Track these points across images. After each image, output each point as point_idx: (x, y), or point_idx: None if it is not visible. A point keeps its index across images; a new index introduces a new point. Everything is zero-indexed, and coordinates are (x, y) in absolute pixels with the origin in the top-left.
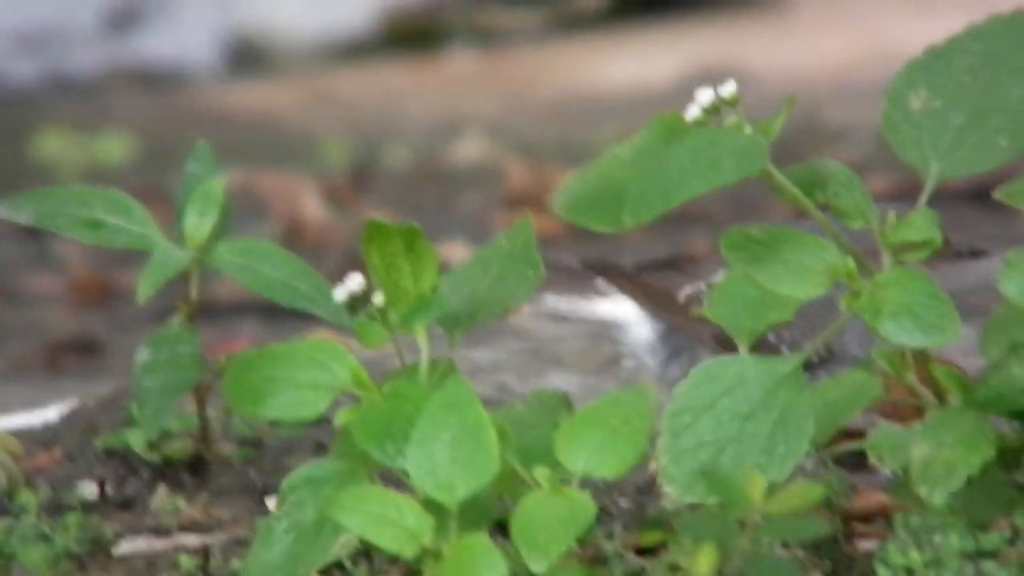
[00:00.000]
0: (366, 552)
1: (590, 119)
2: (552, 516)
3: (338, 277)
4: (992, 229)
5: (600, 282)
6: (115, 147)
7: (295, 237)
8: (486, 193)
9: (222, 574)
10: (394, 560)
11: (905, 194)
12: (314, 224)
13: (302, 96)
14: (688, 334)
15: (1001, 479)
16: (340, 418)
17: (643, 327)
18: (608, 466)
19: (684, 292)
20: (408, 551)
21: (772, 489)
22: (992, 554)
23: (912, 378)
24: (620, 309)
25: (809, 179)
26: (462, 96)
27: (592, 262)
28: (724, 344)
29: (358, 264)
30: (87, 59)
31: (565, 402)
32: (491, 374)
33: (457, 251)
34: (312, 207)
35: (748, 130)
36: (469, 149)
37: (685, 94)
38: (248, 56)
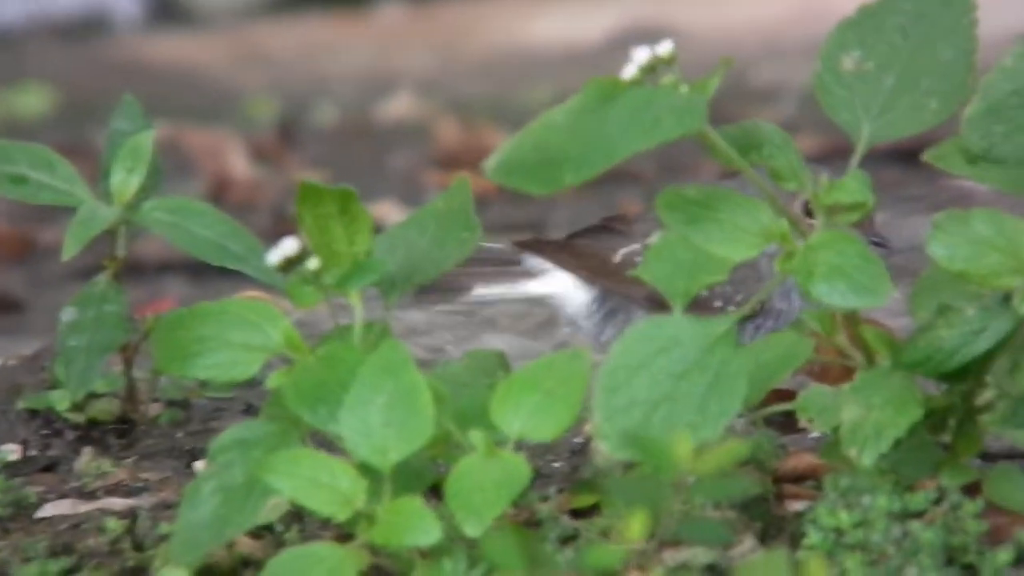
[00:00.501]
0: (297, 515)
1: (522, 76)
2: (487, 479)
3: (267, 236)
4: (917, 191)
5: (531, 259)
6: (34, 100)
7: (221, 195)
8: (417, 151)
9: (150, 537)
10: (326, 523)
11: (833, 155)
12: (241, 181)
13: (227, 50)
14: (622, 296)
15: (928, 440)
16: (273, 380)
17: (578, 291)
18: (543, 429)
19: (619, 254)
20: (341, 514)
21: (702, 449)
22: (918, 514)
23: (842, 339)
24: (551, 285)
25: (744, 140)
26: (391, 52)
27: (523, 241)
28: (657, 305)
29: (287, 223)
30: (4, 9)
31: (501, 361)
32: (425, 336)
33: (389, 210)
34: (239, 164)
35: (685, 89)
36: (399, 106)
37: (616, 52)
38: (170, 8)
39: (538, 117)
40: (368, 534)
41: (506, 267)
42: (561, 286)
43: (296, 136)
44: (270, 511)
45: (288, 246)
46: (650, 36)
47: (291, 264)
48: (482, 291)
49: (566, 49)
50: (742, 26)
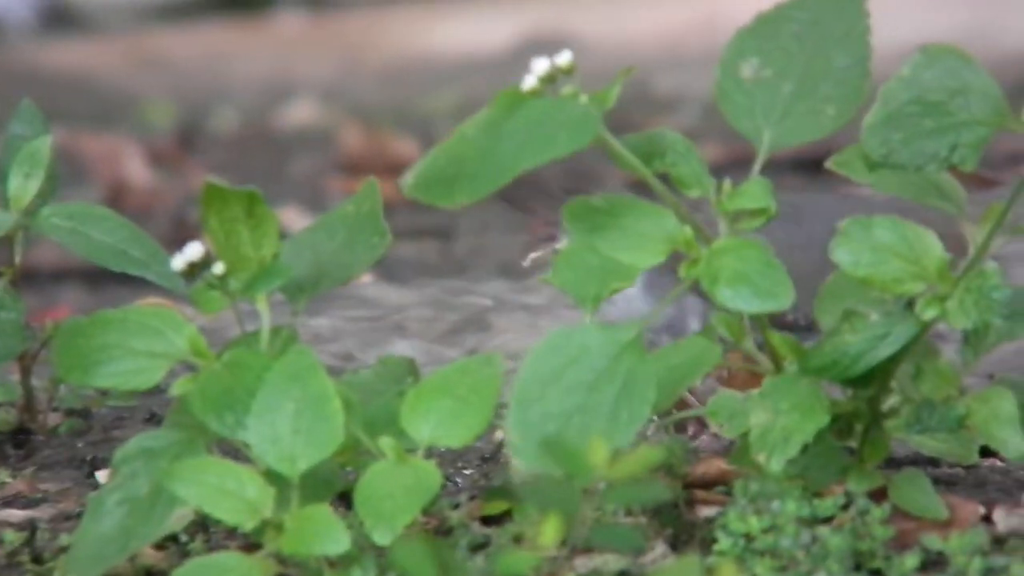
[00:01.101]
0: (203, 525)
1: (425, 84)
2: (397, 486)
3: (167, 242)
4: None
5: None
6: None
7: (118, 201)
8: (319, 158)
9: (49, 549)
10: (232, 532)
11: (736, 163)
12: (138, 188)
13: (123, 56)
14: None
15: (835, 446)
16: (177, 388)
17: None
18: (454, 435)
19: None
20: (248, 523)
21: (615, 455)
22: (827, 519)
23: (750, 345)
24: None
25: (647, 148)
26: (292, 58)
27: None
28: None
29: (186, 229)
30: None
31: (412, 368)
32: (332, 342)
33: (292, 216)
34: (136, 170)
35: (584, 100)
36: (301, 112)
37: (520, 61)
38: (64, 15)
39: (450, 130)
40: (275, 543)
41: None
42: None
43: (195, 142)
44: (175, 521)
45: (192, 251)
46: (552, 45)
47: (195, 269)
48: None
49: (468, 57)
50: (644, 35)
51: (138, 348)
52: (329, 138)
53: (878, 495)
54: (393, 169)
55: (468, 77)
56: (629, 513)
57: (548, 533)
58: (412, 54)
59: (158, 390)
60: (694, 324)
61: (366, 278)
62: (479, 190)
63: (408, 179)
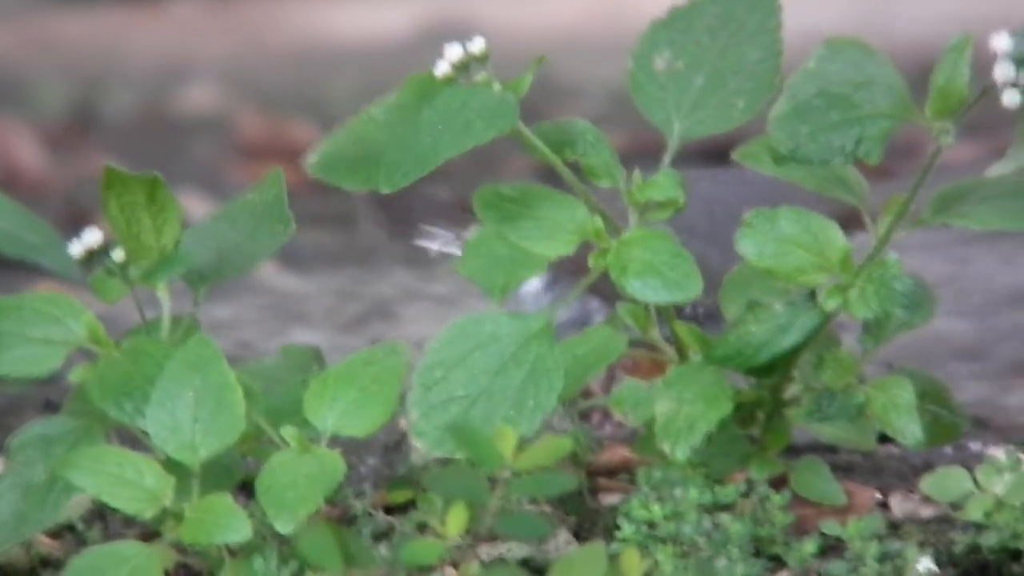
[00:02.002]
0: (100, 513)
1: (326, 68)
2: (300, 475)
3: (61, 228)
4: None
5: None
6: None
7: (10, 186)
8: (218, 142)
9: None
10: (131, 521)
11: (641, 152)
12: (31, 172)
13: (13, 38)
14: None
15: (737, 434)
16: (75, 375)
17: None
18: (358, 424)
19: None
20: (147, 512)
21: (521, 444)
22: (728, 506)
23: (656, 334)
24: None
25: (558, 137)
26: (190, 41)
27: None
28: (611, 296)
29: (80, 214)
30: None
31: (316, 357)
32: (233, 331)
33: (192, 202)
34: (28, 154)
35: (497, 88)
36: (198, 96)
37: (421, 47)
38: None
39: (356, 113)
40: (175, 532)
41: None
42: None
43: (90, 126)
44: (71, 509)
45: (91, 237)
46: (455, 31)
47: (94, 256)
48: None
49: (370, 42)
50: (546, 22)
51: (34, 335)
52: (228, 122)
53: (779, 482)
54: (293, 155)
55: (368, 62)
56: (533, 501)
57: (453, 522)
58: (312, 38)
59: (56, 378)
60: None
61: (268, 266)
62: (400, 179)
63: (312, 159)
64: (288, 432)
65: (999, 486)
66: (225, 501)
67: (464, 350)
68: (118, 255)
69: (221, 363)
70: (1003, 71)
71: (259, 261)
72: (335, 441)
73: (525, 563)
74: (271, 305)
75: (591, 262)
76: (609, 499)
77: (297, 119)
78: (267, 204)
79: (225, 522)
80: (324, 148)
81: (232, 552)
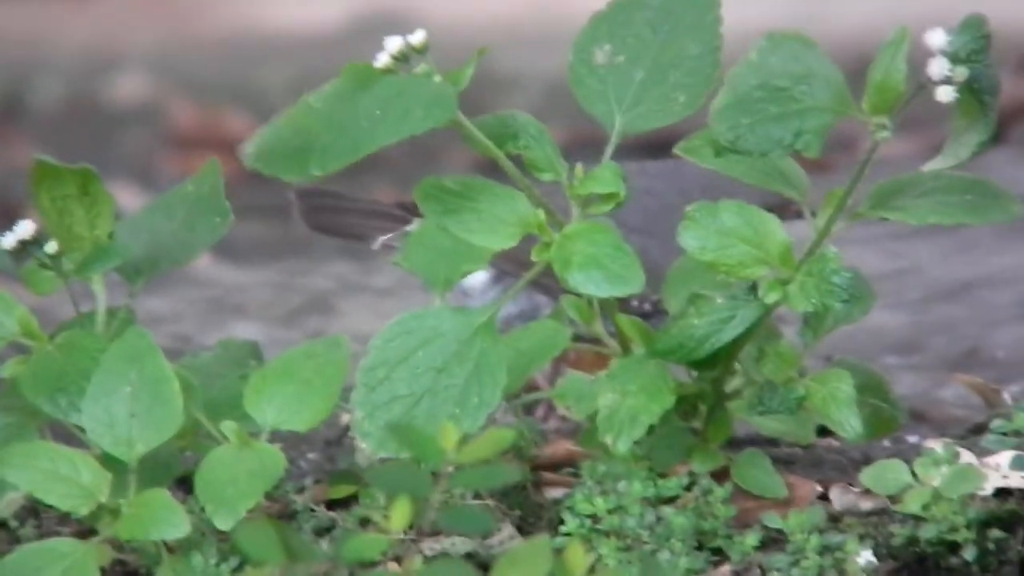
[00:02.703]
0: (33, 510)
1: (259, 59)
2: (239, 470)
3: None
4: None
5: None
6: None
7: None
8: (150, 133)
9: None
10: (65, 518)
11: (581, 145)
12: None
13: None
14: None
15: (680, 427)
16: (7, 370)
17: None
18: (299, 419)
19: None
20: (83, 508)
21: (464, 439)
22: (671, 500)
23: (599, 328)
24: None
25: (500, 130)
26: (120, 30)
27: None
28: (556, 292)
29: (8, 206)
30: None
31: (255, 351)
32: (169, 324)
33: (122, 194)
34: None
35: (438, 79)
36: (129, 86)
37: (356, 37)
38: None
39: (287, 105)
40: (112, 529)
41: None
42: None
43: (19, 116)
44: (4, 506)
45: (23, 229)
46: (389, 22)
47: (26, 248)
48: (384, 239)
49: (304, 32)
50: (481, 14)
51: None
52: (159, 113)
53: (721, 475)
54: (227, 146)
55: (302, 52)
56: (477, 495)
57: (397, 517)
58: (244, 28)
59: None
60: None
61: (204, 258)
62: (333, 163)
63: (248, 149)
64: (227, 427)
65: (936, 479)
66: (163, 496)
67: (407, 348)
68: (51, 247)
69: (158, 357)
70: (938, 67)
71: (196, 253)
72: (275, 436)
73: (469, 557)
74: (208, 298)
75: (534, 255)
76: (553, 493)
77: (230, 109)
78: (204, 195)
79: (163, 518)
80: (260, 137)
81: (170, 548)
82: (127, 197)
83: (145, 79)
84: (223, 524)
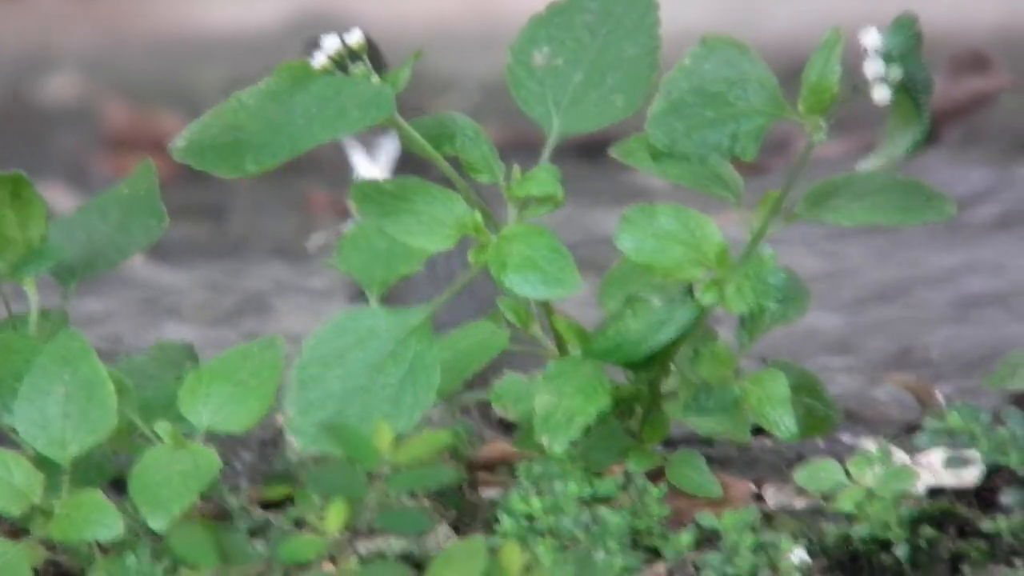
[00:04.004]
0: None
1: (192, 59)
2: (173, 471)
3: None
4: (598, 185)
5: None
6: None
7: None
8: (83, 134)
9: None
10: None
11: (517, 146)
12: None
13: None
14: None
15: (616, 427)
16: None
17: None
18: (235, 420)
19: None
20: (15, 509)
21: (399, 439)
22: (606, 499)
23: (536, 329)
24: None
25: (437, 131)
26: (52, 29)
27: None
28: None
29: None
30: None
31: (189, 353)
32: (103, 325)
33: (56, 195)
34: None
35: (375, 80)
36: (62, 86)
37: (291, 37)
38: None
39: (226, 99)
40: (44, 529)
41: None
42: None
43: None
44: None
45: None
46: (324, 22)
47: None
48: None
49: (239, 32)
50: (417, 14)
51: None
52: (93, 113)
53: (656, 475)
54: (161, 146)
55: (238, 53)
56: (412, 495)
57: (333, 518)
58: (178, 28)
59: None
60: None
61: (137, 258)
62: (268, 160)
63: (179, 144)
64: (162, 427)
65: (870, 478)
66: (96, 497)
67: (342, 346)
68: None
69: (92, 358)
70: (873, 67)
71: (131, 254)
72: (210, 437)
73: (404, 557)
74: (142, 298)
75: (471, 258)
76: (489, 493)
77: (164, 110)
78: (139, 196)
79: (96, 519)
80: (191, 133)
81: (104, 549)
82: (59, 197)
83: (78, 79)
84: (157, 525)
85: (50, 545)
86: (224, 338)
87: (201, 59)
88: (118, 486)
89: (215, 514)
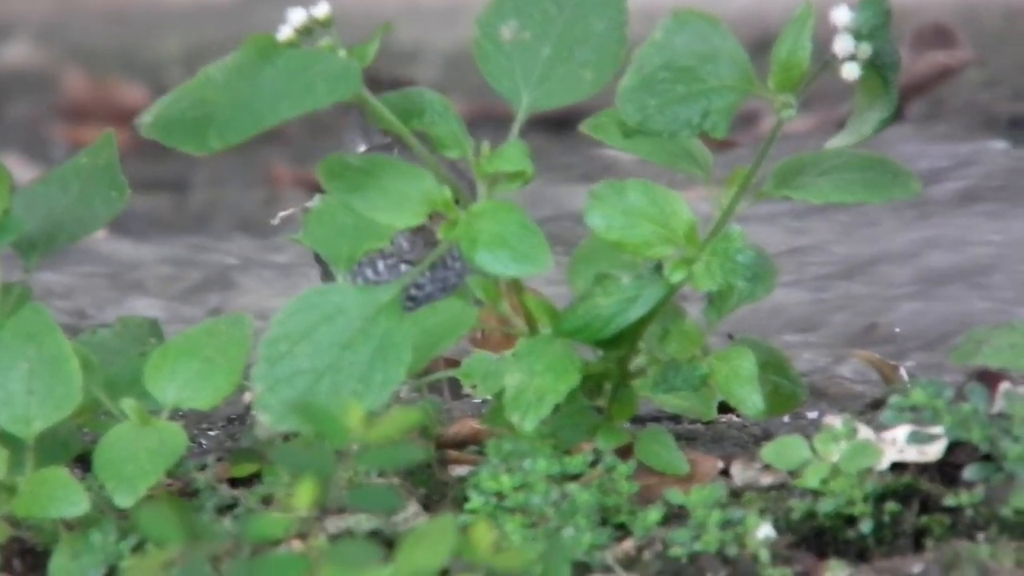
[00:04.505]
0: None
1: (150, 27)
2: (140, 448)
3: None
4: (565, 159)
5: None
6: None
7: None
8: (39, 102)
9: None
10: None
11: (482, 119)
12: None
13: None
14: None
15: (585, 405)
16: None
17: None
18: (201, 397)
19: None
20: None
21: (369, 417)
22: (576, 477)
23: (506, 307)
24: None
25: (405, 106)
26: None
27: None
28: None
29: None
30: None
31: (154, 329)
32: (66, 299)
33: (13, 165)
34: None
35: (342, 53)
36: (16, 53)
37: (249, 8)
38: None
39: (181, 76)
40: (9, 506)
41: None
42: None
43: None
44: None
45: None
46: None
47: None
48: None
49: (196, 1)
50: None
51: None
52: (49, 82)
53: (625, 452)
54: (121, 117)
55: (196, 22)
56: (381, 473)
57: (302, 496)
58: None
59: None
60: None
61: (100, 232)
62: (233, 135)
63: (146, 119)
64: (127, 404)
65: (835, 454)
66: (61, 474)
67: (310, 323)
68: None
69: (56, 333)
70: (843, 44)
71: (93, 228)
72: (177, 413)
73: (373, 535)
74: (105, 273)
75: (441, 234)
76: (458, 471)
77: (122, 79)
78: (99, 168)
79: (61, 495)
80: (159, 108)
81: (69, 526)
82: (16, 167)
83: (34, 48)
84: (123, 502)
85: (14, 522)
86: (189, 313)
87: (159, 28)
88: (83, 463)
89: (182, 491)
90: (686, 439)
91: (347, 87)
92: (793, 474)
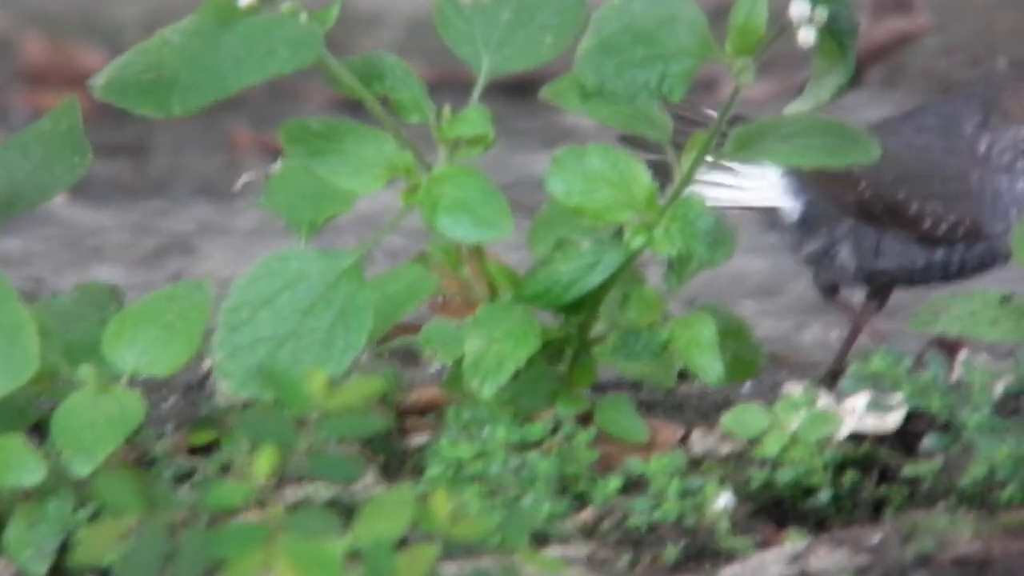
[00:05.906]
0: None
1: None
2: (98, 416)
3: None
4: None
5: None
6: None
7: None
8: None
9: None
10: None
11: (443, 84)
12: None
13: None
14: (833, 204)
15: (545, 371)
16: None
17: (786, 197)
18: (160, 364)
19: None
20: None
21: (330, 384)
22: (536, 444)
23: (466, 273)
24: (761, 187)
25: (366, 71)
26: None
27: None
28: (867, 217)
29: None
30: None
31: (114, 295)
32: (24, 265)
33: None
34: None
35: (304, 18)
36: None
37: None
38: None
39: (148, 35)
40: None
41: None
42: (771, 189)
43: None
44: None
45: None
46: None
47: None
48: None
49: None
50: None
51: None
52: (8, 46)
53: (585, 419)
54: (81, 81)
55: None
56: (340, 441)
57: (262, 464)
58: None
59: None
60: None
61: (59, 197)
62: (196, 100)
63: (100, 81)
64: (85, 371)
65: (795, 422)
66: (17, 442)
67: (271, 289)
68: None
69: (12, 300)
70: (798, 9)
71: (54, 193)
72: (135, 381)
73: (332, 504)
74: (64, 238)
75: (402, 199)
76: (418, 439)
77: (83, 44)
78: (61, 134)
79: (17, 463)
80: (113, 70)
81: (25, 495)
82: None
83: None
84: (80, 470)
85: None
86: (149, 279)
87: None
88: (41, 431)
89: (140, 460)
90: (647, 406)
91: (309, 52)
92: (753, 442)
